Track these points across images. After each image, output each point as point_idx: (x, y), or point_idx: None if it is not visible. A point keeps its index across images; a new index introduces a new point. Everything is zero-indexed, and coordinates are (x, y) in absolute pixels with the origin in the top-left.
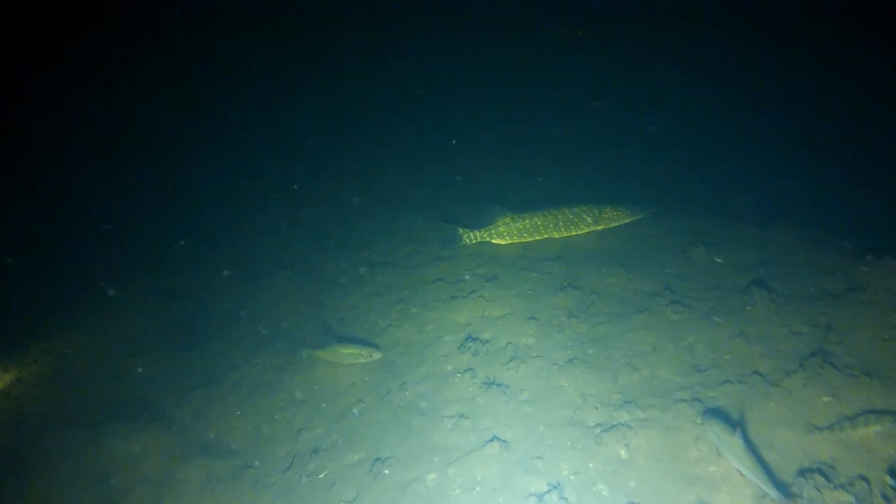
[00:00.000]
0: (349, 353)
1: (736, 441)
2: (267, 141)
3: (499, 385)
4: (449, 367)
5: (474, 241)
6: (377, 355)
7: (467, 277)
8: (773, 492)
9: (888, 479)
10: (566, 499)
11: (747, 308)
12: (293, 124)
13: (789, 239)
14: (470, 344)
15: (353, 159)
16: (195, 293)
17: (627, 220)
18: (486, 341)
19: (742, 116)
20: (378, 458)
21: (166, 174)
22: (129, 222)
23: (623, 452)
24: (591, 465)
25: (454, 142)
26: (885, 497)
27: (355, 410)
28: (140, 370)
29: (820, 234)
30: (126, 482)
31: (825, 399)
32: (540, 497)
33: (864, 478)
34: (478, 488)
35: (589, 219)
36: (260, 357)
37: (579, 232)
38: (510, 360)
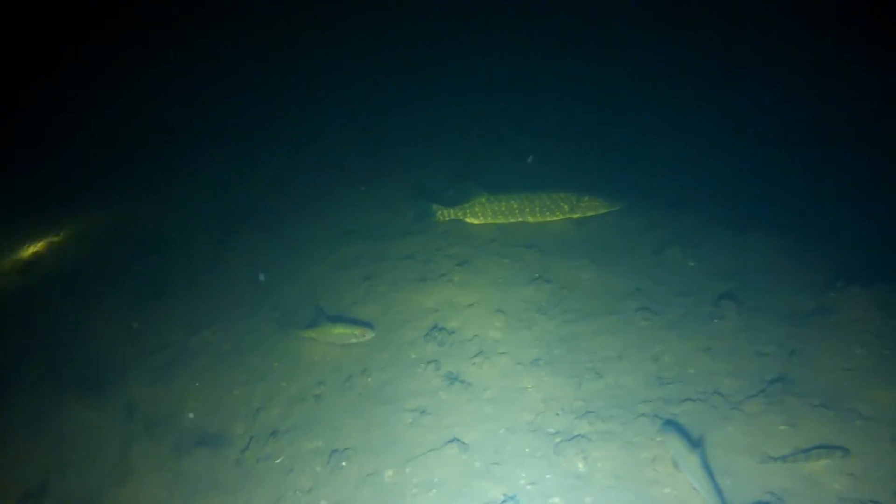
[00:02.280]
0: (341, 333)
1: (694, 458)
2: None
3: (462, 381)
4: (413, 356)
5: (448, 219)
6: (370, 335)
7: (438, 258)
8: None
9: None
10: None
11: (716, 321)
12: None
13: (766, 248)
14: (436, 333)
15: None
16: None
17: (604, 211)
18: (453, 331)
19: (747, 112)
20: (336, 450)
21: None
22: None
23: (581, 465)
24: (548, 476)
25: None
26: None
27: (317, 392)
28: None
29: (798, 245)
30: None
31: (782, 427)
32: None
33: None
34: (434, 490)
35: (566, 206)
36: (222, 324)
37: (555, 218)
38: (476, 355)
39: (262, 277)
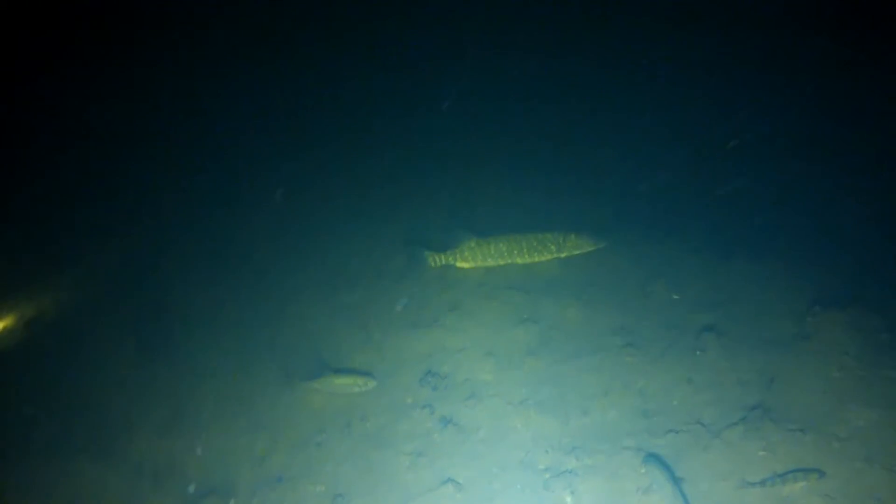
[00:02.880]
0: (345, 383)
1: (669, 486)
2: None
3: (455, 423)
4: (409, 400)
5: (439, 264)
6: (371, 384)
7: (430, 303)
8: None
9: None
10: None
11: (698, 353)
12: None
13: (748, 276)
14: (430, 378)
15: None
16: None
17: (591, 249)
18: (446, 375)
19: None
20: (339, 493)
21: None
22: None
23: (569, 499)
24: None
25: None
26: None
27: (319, 439)
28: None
29: (779, 272)
30: None
31: (761, 453)
32: None
33: None
34: None
35: (553, 246)
36: (224, 376)
37: (543, 259)
38: (468, 398)
39: (260, 328)
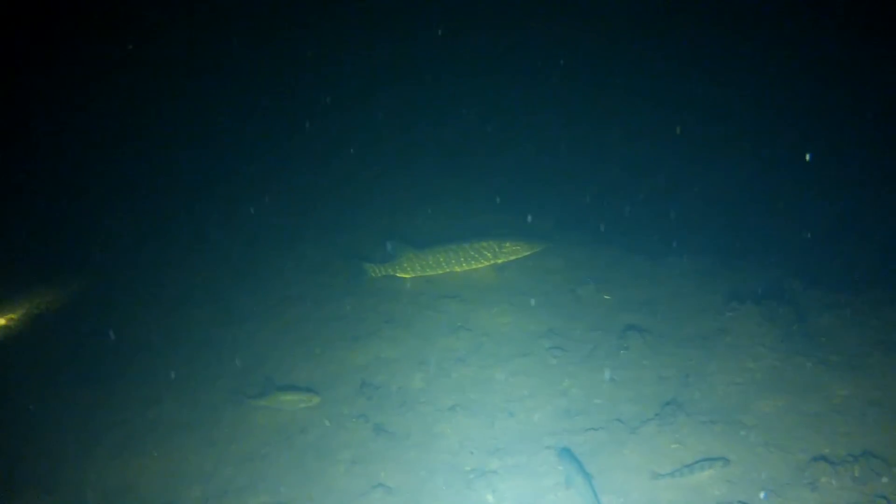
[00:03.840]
0: (290, 400)
1: (580, 478)
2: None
3: (387, 431)
4: (345, 411)
5: (380, 275)
6: (315, 399)
7: (369, 316)
8: None
9: None
10: None
11: (622, 352)
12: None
13: (674, 275)
14: (364, 389)
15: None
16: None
17: (527, 253)
18: (380, 385)
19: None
20: (280, 503)
21: None
22: None
23: (490, 497)
24: None
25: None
26: None
27: (262, 452)
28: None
29: (703, 269)
30: None
31: (673, 446)
32: None
33: None
34: None
35: (489, 254)
36: (175, 396)
37: (480, 265)
38: (399, 406)
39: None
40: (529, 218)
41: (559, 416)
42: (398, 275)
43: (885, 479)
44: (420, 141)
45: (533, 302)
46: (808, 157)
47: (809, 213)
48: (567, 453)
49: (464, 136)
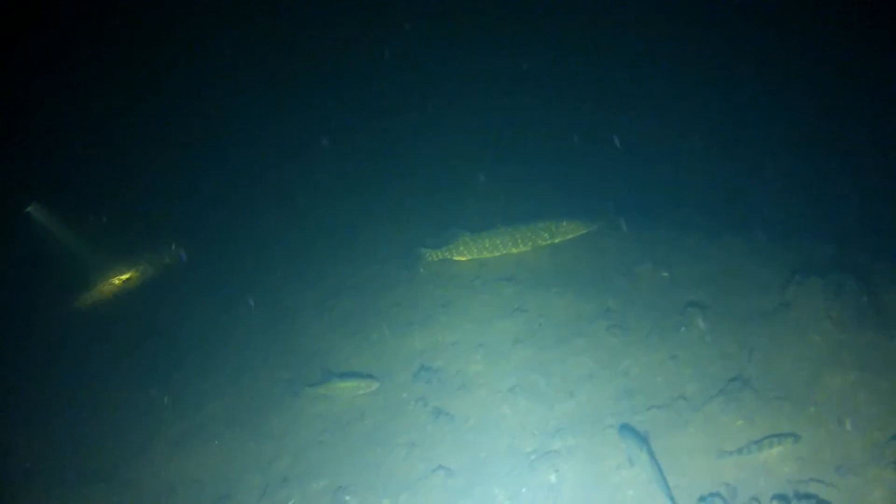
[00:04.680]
0: (349, 387)
1: (644, 455)
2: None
3: (447, 414)
4: (404, 395)
5: (437, 259)
6: (374, 385)
7: (424, 302)
8: (668, 499)
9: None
10: None
11: (683, 329)
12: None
13: (734, 252)
14: (423, 373)
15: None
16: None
17: (583, 232)
18: (438, 369)
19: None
20: (340, 487)
21: None
22: None
23: (553, 478)
24: (523, 490)
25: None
26: None
27: (320, 440)
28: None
29: (764, 244)
30: None
31: (739, 423)
32: None
33: (755, 499)
34: None
35: (546, 234)
36: (235, 390)
37: (537, 246)
38: (458, 389)
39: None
40: (584, 200)
41: (620, 395)
42: (455, 258)
43: None
44: (474, 130)
45: (589, 282)
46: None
47: (871, 186)
48: (627, 429)
49: (520, 124)
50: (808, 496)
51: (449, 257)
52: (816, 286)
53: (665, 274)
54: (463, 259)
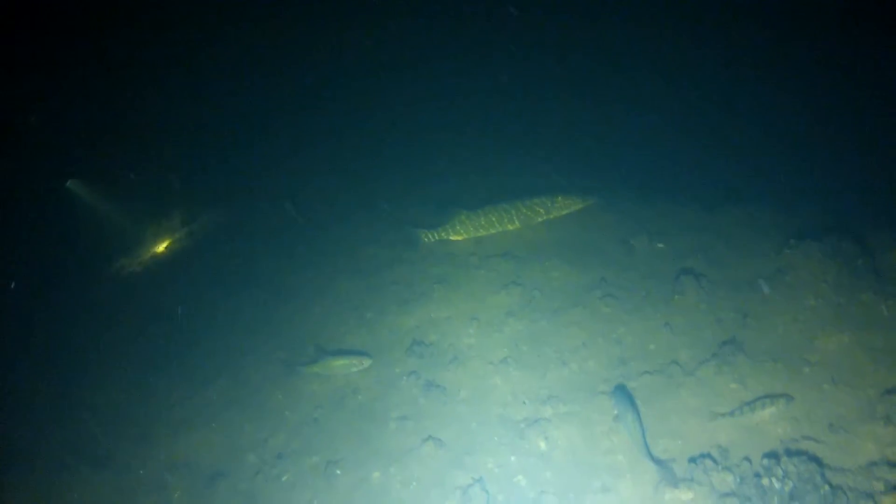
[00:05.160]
0: (342, 365)
1: (630, 415)
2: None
3: (439, 387)
4: (397, 370)
5: (433, 240)
6: (367, 362)
7: (419, 280)
8: (647, 458)
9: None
10: (487, 491)
11: (676, 297)
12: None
13: (731, 221)
14: (416, 348)
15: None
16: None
17: (579, 207)
18: (431, 344)
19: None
20: (331, 461)
21: None
22: None
23: (543, 445)
24: (513, 458)
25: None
26: (757, 475)
27: (314, 417)
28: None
29: (759, 212)
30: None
31: (732, 386)
32: (465, 490)
33: (748, 459)
34: (414, 483)
35: (542, 210)
36: (233, 371)
37: (533, 222)
38: (451, 362)
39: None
40: (578, 178)
41: (613, 363)
42: (451, 238)
43: None
44: (466, 111)
45: (584, 254)
46: None
47: (868, 152)
48: (621, 390)
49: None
50: (798, 453)
51: (446, 237)
52: (812, 250)
53: (661, 245)
54: (460, 238)
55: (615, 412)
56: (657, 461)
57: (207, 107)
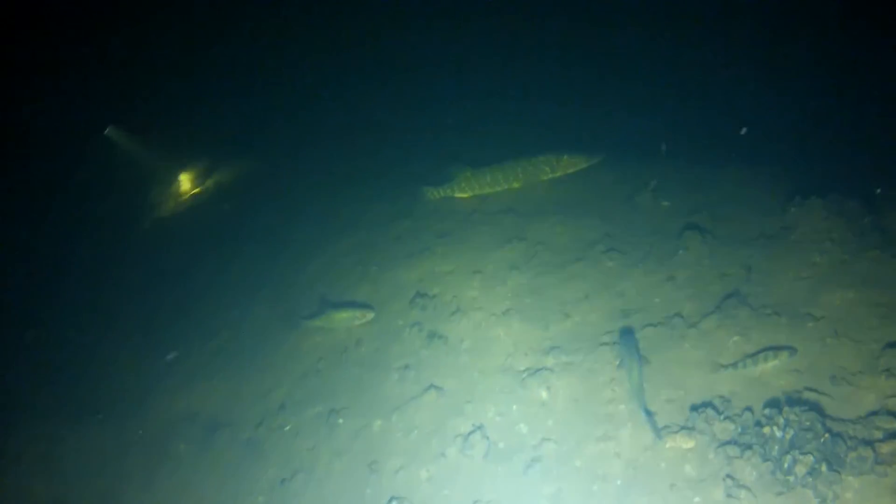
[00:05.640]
0: (345, 317)
1: (632, 362)
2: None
3: (441, 337)
4: (400, 322)
5: (438, 197)
6: (370, 315)
7: (423, 235)
8: (639, 407)
9: None
10: (488, 437)
11: (681, 252)
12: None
13: (737, 179)
14: (419, 300)
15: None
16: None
17: (584, 166)
18: (434, 296)
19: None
20: (333, 410)
21: None
22: None
23: (544, 394)
24: (514, 407)
25: None
26: (758, 423)
27: (317, 368)
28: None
29: (769, 173)
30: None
31: (735, 338)
32: (466, 437)
33: (749, 409)
34: (415, 432)
35: (547, 168)
36: (235, 326)
37: (539, 180)
38: (453, 314)
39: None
40: (586, 134)
41: (616, 316)
42: (457, 195)
43: None
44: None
45: (589, 211)
46: None
47: (882, 112)
48: (628, 334)
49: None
50: (800, 403)
51: (451, 195)
52: (818, 207)
53: (665, 203)
54: (465, 196)
55: (618, 361)
56: (647, 412)
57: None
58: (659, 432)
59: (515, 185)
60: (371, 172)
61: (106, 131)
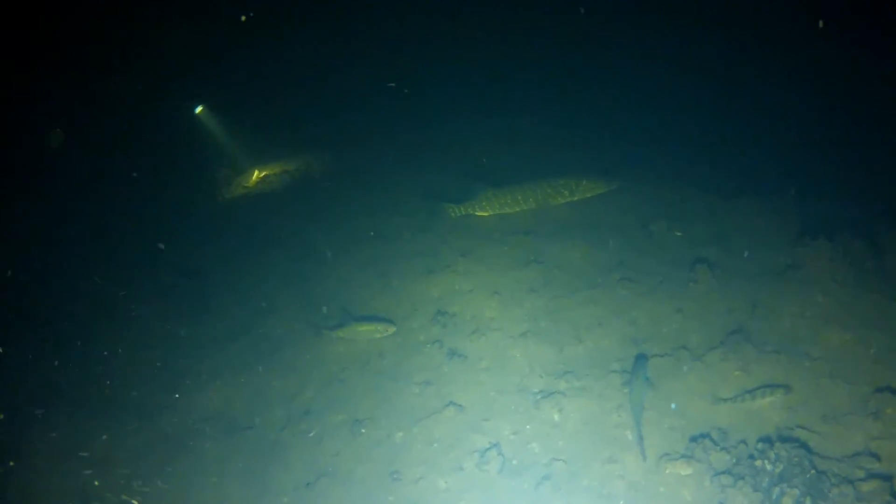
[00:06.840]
0: (367, 330)
1: (638, 384)
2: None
3: (461, 355)
4: (421, 338)
5: (459, 215)
6: (391, 329)
7: (444, 251)
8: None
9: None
10: (503, 455)
11: (691, 284)
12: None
13: (748, 212)
14: (440, 317)
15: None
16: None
17: (603, 191)
18: (454, 314)
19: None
20: (357, 420)
21: None
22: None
23: (556, 416)
24: (528, 427)
25: None
26: (751, 456)
27: (341, 377)
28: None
29: (780, 207)
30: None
31: (736, 373)
32: (483, 452)
33: (744, 441)
34: (435, 444)
35: (566, 191)
36: (261, 330)
37: (557, 203)
38: (473, 333)
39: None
40: (603, 160)
41: (626, 343)
42: (477, 213)
43: None
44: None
45: (605, 237)
46: None
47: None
48: (641, 359)
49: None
50: (791, 440)
51: (472, 212)
52: (824, 248)
53: (679, 233)
54: (485, 214)
55: (631, 377)
56: (640, 436)
57: None
58: (645, 453)
59: (535, 206)
60: (391, 183)
61: (198, 111)
